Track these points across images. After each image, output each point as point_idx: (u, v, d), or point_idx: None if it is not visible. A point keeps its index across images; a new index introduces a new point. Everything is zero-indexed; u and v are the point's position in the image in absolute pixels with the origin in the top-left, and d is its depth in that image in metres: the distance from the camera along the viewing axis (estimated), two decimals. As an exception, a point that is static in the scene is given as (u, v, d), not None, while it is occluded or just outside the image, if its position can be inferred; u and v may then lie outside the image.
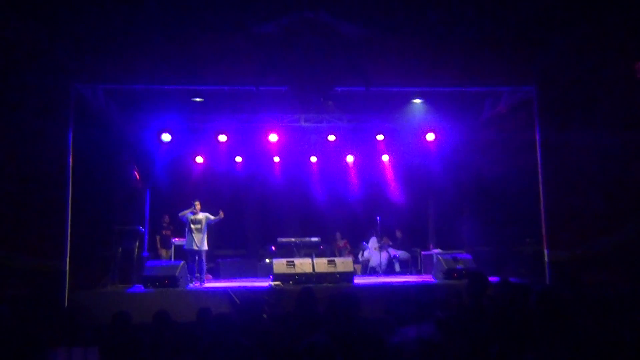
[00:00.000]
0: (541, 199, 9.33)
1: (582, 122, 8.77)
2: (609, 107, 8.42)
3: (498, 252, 11.51)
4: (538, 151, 9.45)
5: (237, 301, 8.44)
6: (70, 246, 8.48)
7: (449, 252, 11.11)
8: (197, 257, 10.59)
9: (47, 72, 8.51)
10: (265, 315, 4.58)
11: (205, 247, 10.72)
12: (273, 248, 13.39)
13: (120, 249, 10.39)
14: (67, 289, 8.31)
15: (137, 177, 11.41)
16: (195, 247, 10.57)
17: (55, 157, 8.54)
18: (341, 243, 14.01)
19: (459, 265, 10.20)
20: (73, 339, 6.66)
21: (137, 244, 10.77)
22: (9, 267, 7.89)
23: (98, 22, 8.38)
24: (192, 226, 10.62)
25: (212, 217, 10.80)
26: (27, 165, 8.34)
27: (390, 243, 13.44)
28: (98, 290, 9.52)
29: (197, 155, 13.91)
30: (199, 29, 8.75)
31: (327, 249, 13.49)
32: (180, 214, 10.83)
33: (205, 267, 10.80)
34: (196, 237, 10.58)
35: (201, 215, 10.72)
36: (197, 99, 10.17)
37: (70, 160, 8.67)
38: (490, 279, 4.88)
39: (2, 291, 7.67)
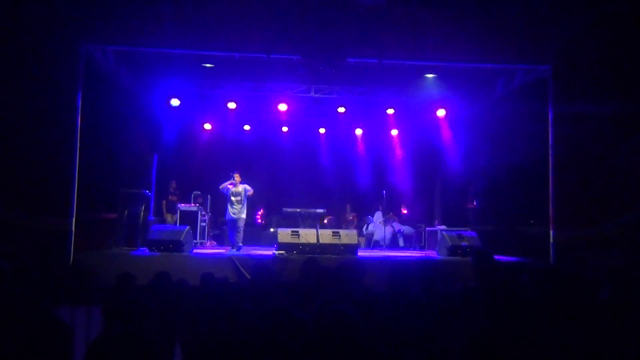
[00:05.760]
0: (550, 179, 9.25)
1: (596, 104, 8.66)
2: (623, 90, 8.31)
3: (502, 231, 11.48)
4: (550, 131, 9.33)
5: (245, 273, 8.44)
6: (77, 207, 8.50)
7: (454, 229, 11.09)
8: (237, 224, 10.75)
9: (56, 31, 8.42)
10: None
11: (244, 215, 10.87)
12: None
13: (126, 211, 10.42)
14: (72, 249, 8.36)
15: None
16: (234, 216, 10.75)
17: (63, 117, 8.49)
18: (350, 216, 14.02)
19: (464, 243, 10.18)
20: (77, 298, 6.72)
21: (143, 207, 10.79)
22: (15, 225, 7.94)
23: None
24: (232, 198, 10.78)
25: (249, 189, 10.92)
26: (36, 124, 8.32)
27: (396, 218, 13.43)
28: (103, 252, 9.58)
29: (206, 122, 13.86)
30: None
31: (334, 221, 13.50)
32: (220, 187, 10.90)
33: (242, 234, 10.88)
34: (236, 207, 10.77)
35: (240, 187, 10.84)
36: (208, 65, 10.08)
37: (79, 120, 8.63)
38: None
39: (6, 248, 7.72)
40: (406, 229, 13.36)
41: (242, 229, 10.86)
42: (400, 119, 13.68)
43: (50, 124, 8.42)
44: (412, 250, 12.70)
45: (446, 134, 13.16)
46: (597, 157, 8.67)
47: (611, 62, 8.51)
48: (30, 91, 8.28)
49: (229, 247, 10.95)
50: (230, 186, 10.80)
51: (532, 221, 10.60)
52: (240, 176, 10.93)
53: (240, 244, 10.68)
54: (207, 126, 13.94)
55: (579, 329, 3.51)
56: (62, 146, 8.45)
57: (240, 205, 10.79)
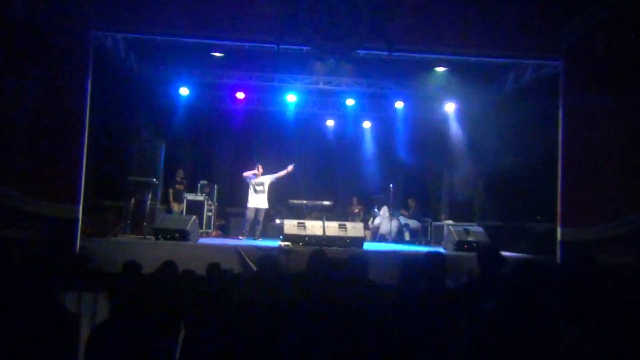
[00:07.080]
0: (560, 175, 9.17)
1: (608, 99, 8.55)
2: (636, 86, 8.19)
3: (509, 227, 11.42)
4: (560, 127, 9.25)
5: (251, 264, 8.42)
6: (84, 193, 8.51)
7: (461, 224, 11.04)
8: (256, 215, 10.98)
9: (66, 18, 8.40)
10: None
11: (266, 205, 11.14)
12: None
13: (133, 199, 10.45)
14: (79, 235, 8.38)
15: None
16: (255, 206, 10.97)
17: (72, 104, 8.48)
18: (356, 209, 13.99)
19: (471, 238, 10.15)
20: (83, 285, 6.74)
21: (150, 196, 10.83)
22: (22, 211, 7.95)
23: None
24: (255, 187, 11.02)
25: (277, 175, 11.19)
26: (44, 110, 8.31)
27: (406, 212, 13.40)
28: (110, 239, 9.60)
29: (214, 111, 13.85)
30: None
31: (341, 213, 13.48)
32: (244, 174, 11.13)
33: (260, 227, 11.12)
34: (259, 196, 11.02)
35: (263, 179, 11.08)
36: (217, 54, 10.06)
37: (88, 108, 8.63)
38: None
39: (14, 234, 7.75)
40: (412, 223, 13.33)
41: (261, 221, 11.06)
42: (409, 112, 13.63)
43: (60, 110, 8.41)
44: (419, 244, 12.67)
45: (455, 128, 13.10)
46: (608, 153, 8.56)
47: (624, 58, 8.39)
48: (39, 78, 8.26)
49: (239, 237, 10.95)
50: (252, 177, 10.99)
51: (538, 217, 10.53)
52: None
53: (260, 238, 10.90)
54: (215, 116, 13.91)
55: (587, 327, 3.48)
56: (71, 133, 8.45)
57: (262, 195, 11.01)
